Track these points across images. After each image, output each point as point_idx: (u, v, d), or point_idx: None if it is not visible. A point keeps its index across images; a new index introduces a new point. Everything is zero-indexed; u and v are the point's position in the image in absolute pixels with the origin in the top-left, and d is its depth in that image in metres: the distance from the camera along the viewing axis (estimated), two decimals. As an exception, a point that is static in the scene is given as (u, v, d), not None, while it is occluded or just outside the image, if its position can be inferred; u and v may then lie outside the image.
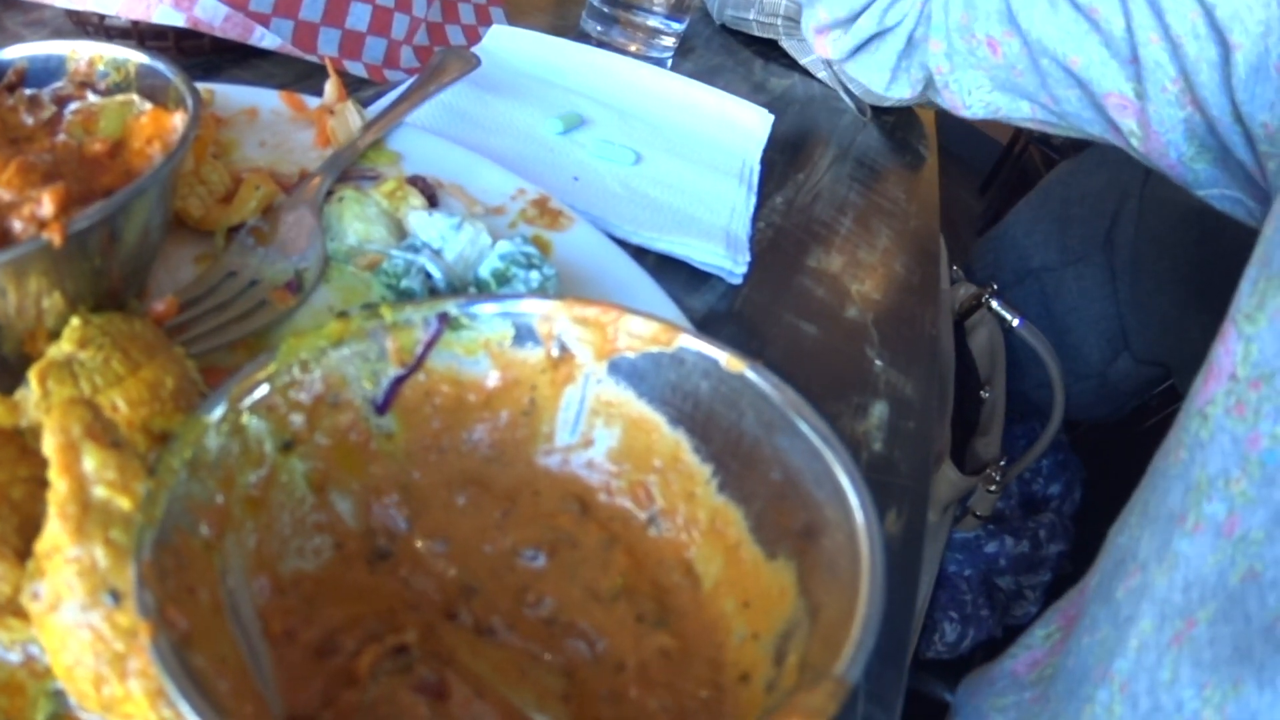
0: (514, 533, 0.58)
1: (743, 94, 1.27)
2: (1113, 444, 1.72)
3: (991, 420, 1.52)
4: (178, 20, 0.98)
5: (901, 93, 1.03)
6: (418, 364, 0.58)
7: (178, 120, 0.68)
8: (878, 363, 0.99)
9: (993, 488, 1.48)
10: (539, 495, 0.60)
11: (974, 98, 0.98)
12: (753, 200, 1.09)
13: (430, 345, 0.58)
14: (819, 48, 1.03)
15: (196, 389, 0.59)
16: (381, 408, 0.58)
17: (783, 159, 1.24)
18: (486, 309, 0.59)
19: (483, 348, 0.59)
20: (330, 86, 0.93)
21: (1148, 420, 1.74)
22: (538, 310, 0.59)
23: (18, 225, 0.58)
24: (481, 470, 0.60)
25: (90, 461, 0.47)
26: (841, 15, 1.00)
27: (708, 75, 1.32)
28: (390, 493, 0.58)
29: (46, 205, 0.58)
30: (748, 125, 1.22)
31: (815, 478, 0.52)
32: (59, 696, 0.51)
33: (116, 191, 0.61)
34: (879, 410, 0.93)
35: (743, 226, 1.04)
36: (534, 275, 0.73)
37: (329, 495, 0.56)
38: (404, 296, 0.73)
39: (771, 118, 1.23)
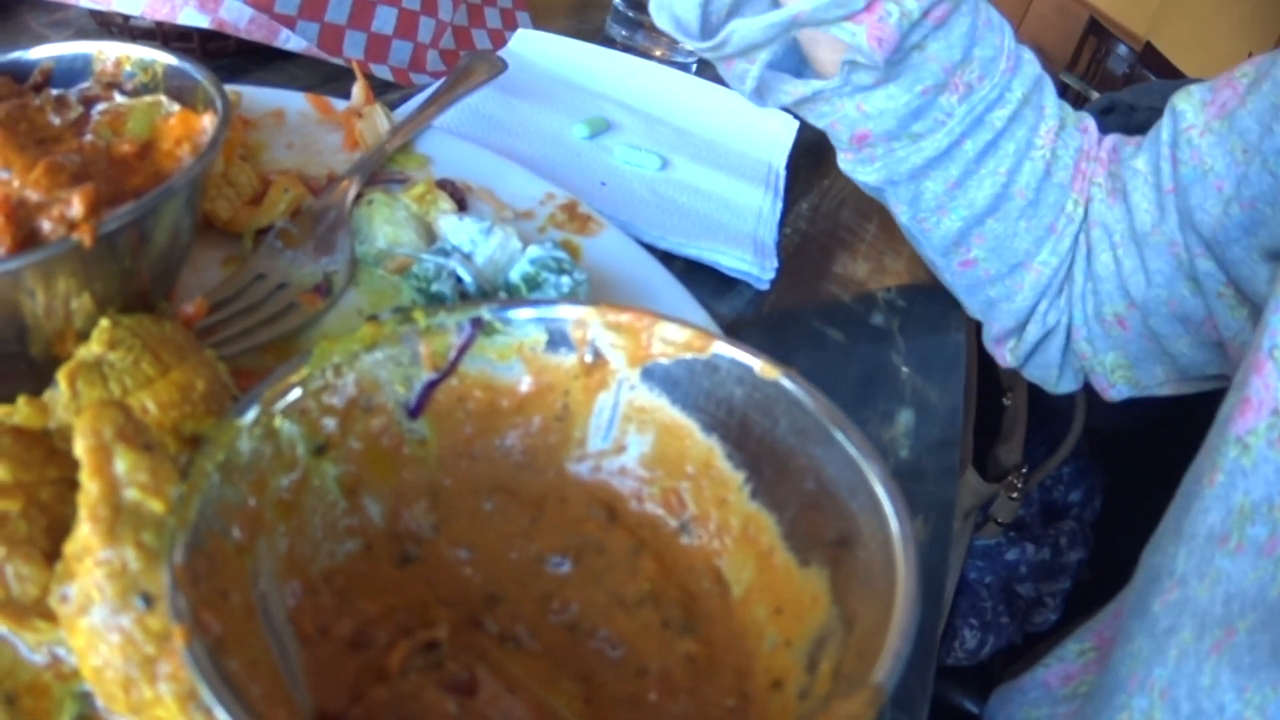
0: (540, 540, 0.58)
1: (767, 99, 1.26)
2: (1133, 451, 1.70)
3: (1014, 427, 1.52)
4: (202, 22, 0.98)
5: (1069, 386, 1.07)
6: (450, 369, 0.58)
7: (207, 122, 0.67)
8: (904, 369, 0.98)
9: (1014, 494, 1.48)
10: (566, 502, 0.60)
11: (1116, 376, 1.01)
12: (779, 206, 1.08)
13: (463, 350, 0.57)
14: (1001, 359, 1.08)
15: (228, 392, 0.58)
16: (414, 412, 0.57)
17: (807, 164, 1.22)
18: (520, 314, 0.58)
19: (516, 353, 0.58)
20: (357, 89, 0.92)
21: (1168, 428, 1.72)
22: (571, 316, 0.58)
23: (47, 226, 0.58)
24: (511, 477, 0.59)
25: (122, 464, 0.46)
26: (1011, 325, 1.03)
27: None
28: (419, 499, 0.57)
29: (76, 206, 0.57)
30: (772, 131, 1.21)
31: (851, 488, 0.51)
32: (85, 698, 0.50)
33: (146, 193, 0.61)
34: (905, 417, 0.93)
35: (769, 233, 1.03)
36: (565, 280, 0.73)
37: (361, 499, 0.56)
38: (434, 300, 0.73)
39: (796, 124, 1.21)
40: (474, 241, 0.75)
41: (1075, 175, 0.95)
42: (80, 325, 0.59)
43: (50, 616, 0.48)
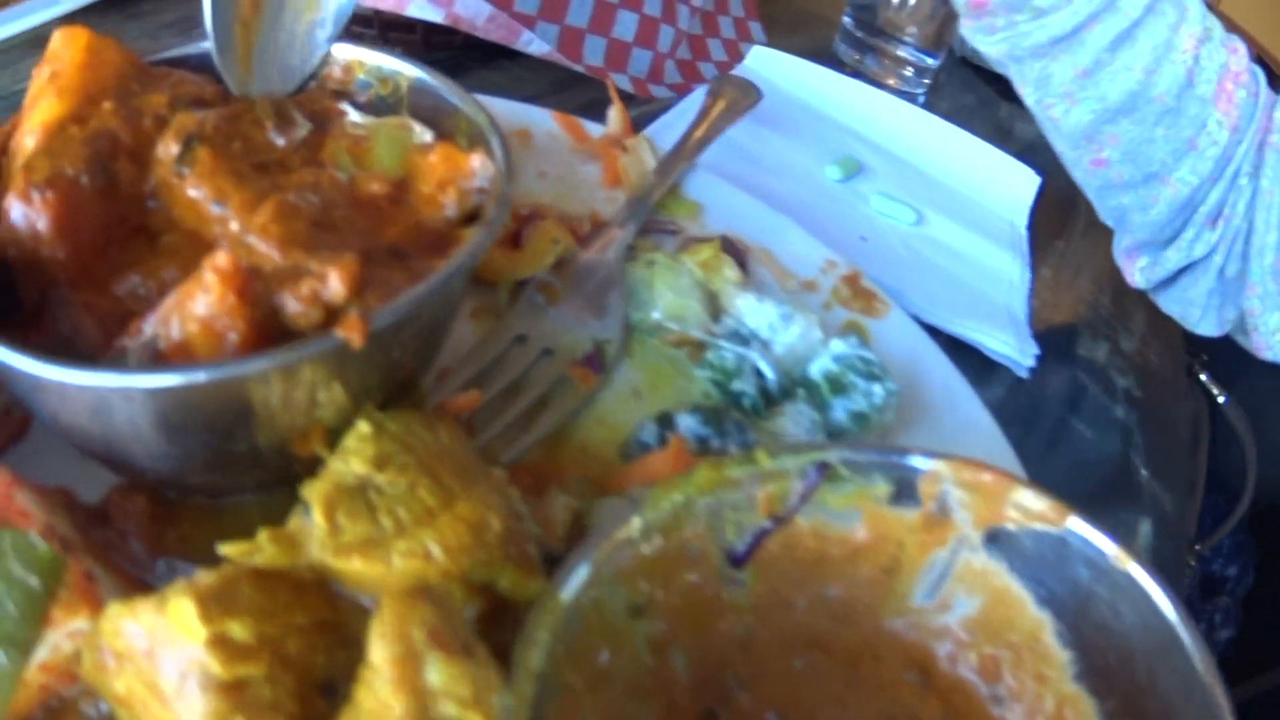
0: (855, 706, 0.52)
1: (990, 140, 1.16)
2: (1290, 528, 1.63)
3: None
4: (435, 16, 0.88)
5: (1209, 330, 0.97)
6: (787, 517, 0.51)
7: (477, 164, 0.58)
8: (1143, 472, 0.89)
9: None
10: (880, 660, 0.53)
11: (1277, 338, 0.92)
12: (1027, 276, 0.99)
13: (804, 497, 0.51)
14: (1129, 275, 0.98)
15: (524, 526, 0.48)
16: (740, 560, 0.51)
17: (1042, 222, 1.12)
18: (869, 461, 0.51)
19: (856, 502, 0.52)
20: (614, 114, 0.82)
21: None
22: (925, 468, 0.51)
23: (291, 304, 0.49)
24: (827, 630, 0.53)
25: (436, 675, 0.37)
26: (1144, 239, 0.94)
27: (953, 117, 1.21)
28: (729, 651, 0.51)
29: (334, 284, 0.48)
30: (1013, 184, 1.11)
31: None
32: None
33: (403, 248, 0.53)
34: (1144, 529, 0.84)
35: (1020, 305, 0.95)
36: (876, 389, 0.63)
37: (669, 653, 0.50)
38: (733, 398, 0.64)
39: (1038, 180, 1.11)
40: (773, 327, 0.66)
41: (1219, 94, 0.85)
42: (329, 419, 0.50)
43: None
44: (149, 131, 0.57)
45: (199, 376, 0.44)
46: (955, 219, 1.03)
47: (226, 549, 0.43)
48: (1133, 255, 0.96)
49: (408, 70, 0.63)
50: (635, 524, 0.45)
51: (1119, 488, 0.87)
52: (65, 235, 0.53)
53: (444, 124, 0.61)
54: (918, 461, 0.51)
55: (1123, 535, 0.78)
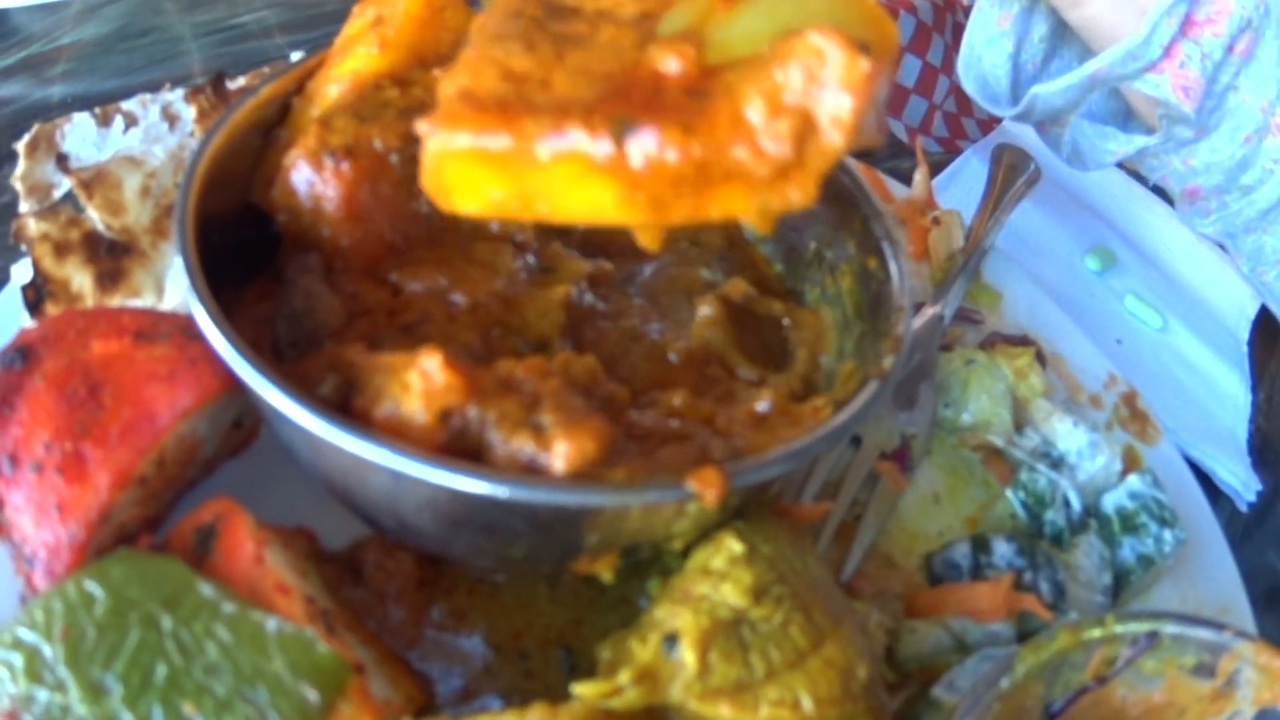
0: None
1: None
2: None
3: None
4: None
5: None
6: (1109, 679, 0.49)
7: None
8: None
9: None
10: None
11: None
12: (1249, 398, 0.96)
13: (1129, 662, 0.49)
14: None
15: (881, 671, 0.45)
16: (1055, 715, 0.49)
17: (1256, 337, 1.07)
18: (1193, 637, 0.49)
19: (1164, 669, 0.50)
20: (920, 180, 0.79)
21: None
22: (1231, 645, 0.49)
23: (499, 445, 0.40)
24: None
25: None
26: None
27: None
28: None
29: (555, 462, 0.40)
30: (1240, 296, 1.06)
31: None
32: None
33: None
34: None
35: (1243, 430, 0.92)
36: (1167, 535, 0.61)
37: None
38: (1038, 525, 0.61)
39: (1259, 302, 1.06)
40: (1080, 453, 0.63)
41: None
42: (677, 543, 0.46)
43: None
44: (482, 115, 0.49)
45: (500, 491, 0.38)
46: (1194, 329, 1.00)
47: (583, 690, 0.40)
48: None
49: None
50: (1004, 684, 0.44)
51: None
52: (355, 219, 0.46)
53: (839, 205, 0.56)
54: (1227, 639, 0.49)
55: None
